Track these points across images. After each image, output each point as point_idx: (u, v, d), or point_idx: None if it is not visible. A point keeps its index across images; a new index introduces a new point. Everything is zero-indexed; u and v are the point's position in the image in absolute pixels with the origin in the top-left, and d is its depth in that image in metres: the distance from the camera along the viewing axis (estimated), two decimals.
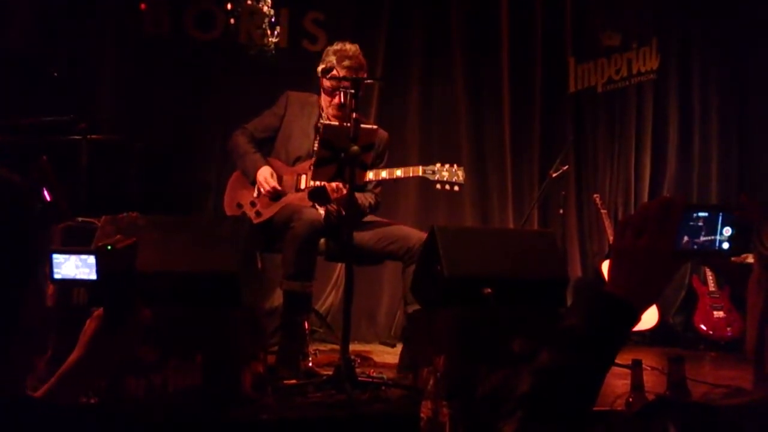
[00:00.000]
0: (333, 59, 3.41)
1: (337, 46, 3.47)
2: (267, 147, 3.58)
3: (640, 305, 1.00)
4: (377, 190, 3.54)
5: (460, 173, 3.37)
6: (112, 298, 1.21)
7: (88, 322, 1.21)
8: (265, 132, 3.57)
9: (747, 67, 5.65)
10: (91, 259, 1.18)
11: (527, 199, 5.30)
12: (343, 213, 3.38)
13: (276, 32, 4.74)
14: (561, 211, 5.07)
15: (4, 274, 0.91)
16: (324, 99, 3.51)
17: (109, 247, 1.19)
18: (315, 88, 3.60)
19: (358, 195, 3.30)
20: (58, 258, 1.19)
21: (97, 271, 1.18)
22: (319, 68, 3.42)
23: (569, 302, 3.16)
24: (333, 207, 3.33)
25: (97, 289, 1.22)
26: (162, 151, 4.46)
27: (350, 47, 3.44)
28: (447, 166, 3.36)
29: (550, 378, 0.97)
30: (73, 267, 1.18)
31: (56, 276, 1.19)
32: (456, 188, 3.38)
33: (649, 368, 3.28)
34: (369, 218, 3.48)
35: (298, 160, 3.49)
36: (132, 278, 1.22)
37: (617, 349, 1.00)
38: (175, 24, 4.72)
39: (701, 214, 1.00)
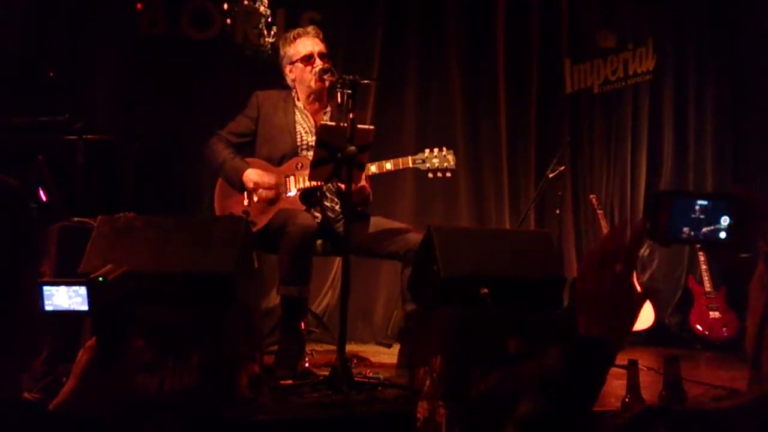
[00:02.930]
0: (302, 41, 3.47)
1: (291, 34, 3.54)
2: (246, 150, 3.55)
3: (616, 342, 1.01)
4: None
5: (450, 157, 3.37)
6: (104, 329, 1.20)
7: (81, 352, 1.21)
8: (240, 137, 3.54)
9: (742, 68, 5.66)
10: (83, 290, 1.17)
11: (524, 200, 5.30)
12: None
13: (272, 32, 4.74)
14: (558, 212, 5.07)
15: None
16: (299, 86, 3.52)
17: (101, 279, 1.19)
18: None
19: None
20: (49, 290, 1.17)
21: (89, 302, 1.18)
22: (317, 69, 3.42)
23: (566, 302, 3.16)
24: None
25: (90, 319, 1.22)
26: (158, 150, 4.45)
27: (301, 29, 3.57)
28: (436, 151, 3.36)
29: (534, 429, 0.97)
30: (66, 298, 1.17)
31: (48, 308, 1.17)
32: (448, 174, 3.39)
33: (645, 368, 3.28)
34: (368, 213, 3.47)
35: (285, 158, 3.45)
36: (124, 308, 1.22)
37: (598, 390, 1.00)
38: (171, 24, 4.71)
39: (700, 202, 1.00)
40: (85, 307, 1.17)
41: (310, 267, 3.26)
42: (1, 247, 0.91)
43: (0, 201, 0.92)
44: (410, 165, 3.36)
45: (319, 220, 3.39)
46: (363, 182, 3.29)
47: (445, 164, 3.36)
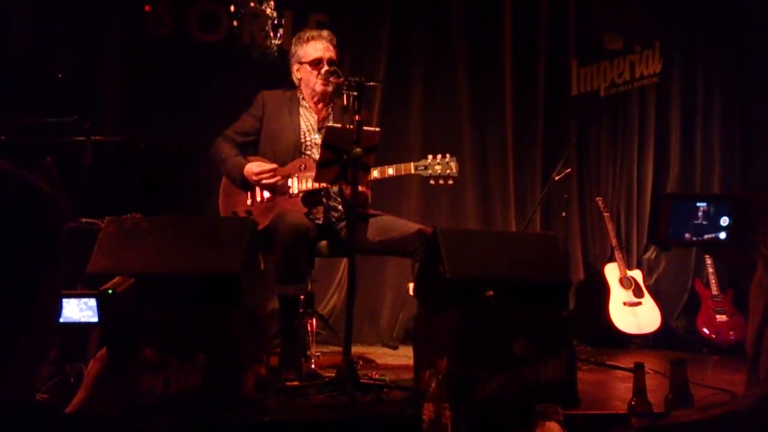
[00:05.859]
0: (313, 44, 3.47)
1: (306, 35, 3.54)
2: (251, 149, 3.56)
3: None
4: None
5: (453, 165, 3.35)
6: (114, 341, 1.21)
7: (91, 363, 1.21)
8: (246, 136, 3.57)
9: (749, 70, 5.64)
10: (92, 302, 1.19)
11: (530, 202, 5.29)
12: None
13: (279, 34, 4.74)
14: (563, 214, 5.07)
15: (24, 274, 0.91)
16: (305, 87, 3.54)
17: (110, 291, 1.19)
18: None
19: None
20: None
21: (99, 314, 1.19)
22: (323, 71, 3.43)
23: (571, 305, 3.16)
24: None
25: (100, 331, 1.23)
26: (165, 152, 4.47)
27: (316, 32, 3.56)
28: (439, 157, 3.35)
29: None
30: (76, 310, 1.19)
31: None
32: (450, 182, 3.38)
33: (651, 372, 3.27)
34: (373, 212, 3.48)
35: (288, 156, 3.46)
36: (133, 320, 1.22)
37: None
38: (178, 25, 4.73)
39: (700, 204, 1.00)
40: (95, 319, 1.19)
41: (305, 266, 3.26)
42: (20, 251, 0.91)
43: (25, 207, 0.92)
44: (412, 171, 3.34)
45: (320, 222, 3.40)
46: (362, 187, 3.29)
47: (448, 171, 3.34)
